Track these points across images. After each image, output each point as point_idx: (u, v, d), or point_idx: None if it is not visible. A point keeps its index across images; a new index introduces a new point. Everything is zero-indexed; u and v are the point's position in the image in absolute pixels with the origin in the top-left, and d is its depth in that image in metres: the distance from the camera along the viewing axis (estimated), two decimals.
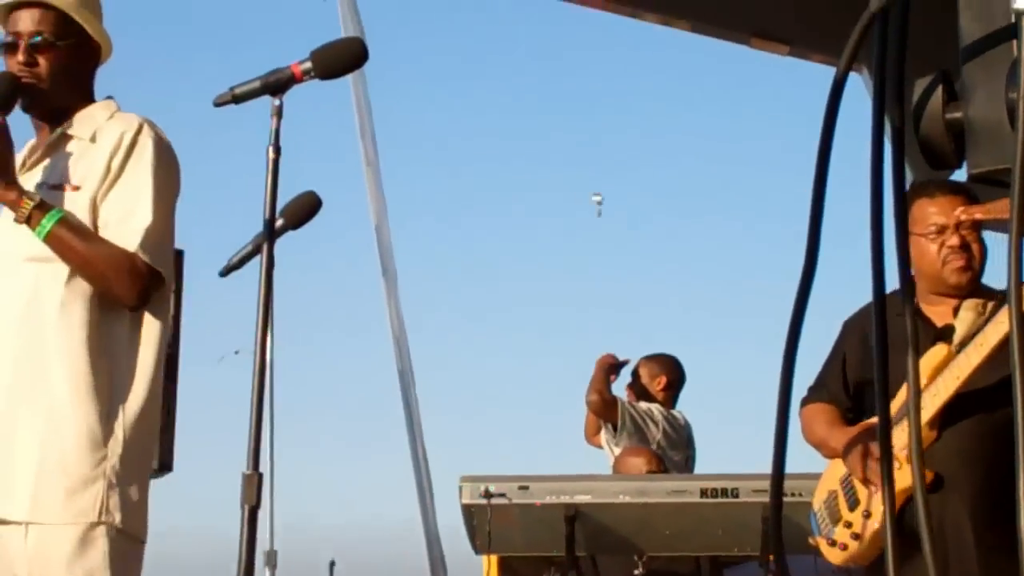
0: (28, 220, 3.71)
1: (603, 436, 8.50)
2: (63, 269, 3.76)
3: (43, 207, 3.72)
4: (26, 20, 3.89)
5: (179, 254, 6.97)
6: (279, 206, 3.96)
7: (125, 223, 3.79)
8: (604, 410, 8.36)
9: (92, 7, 4.01)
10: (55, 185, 3.84)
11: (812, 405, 5.10)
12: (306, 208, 5.12)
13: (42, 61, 3.88)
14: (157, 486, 6.64)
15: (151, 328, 3.86)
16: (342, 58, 3.77)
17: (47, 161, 3.92)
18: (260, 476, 3.60)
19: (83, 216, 3.78)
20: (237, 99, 3.70)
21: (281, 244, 4.37)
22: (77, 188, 3.82)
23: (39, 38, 3.88)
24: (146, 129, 3.88)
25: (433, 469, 7.63)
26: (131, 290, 3.77)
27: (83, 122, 3.93)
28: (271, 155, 3.64)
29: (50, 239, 3.73)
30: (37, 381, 3.72)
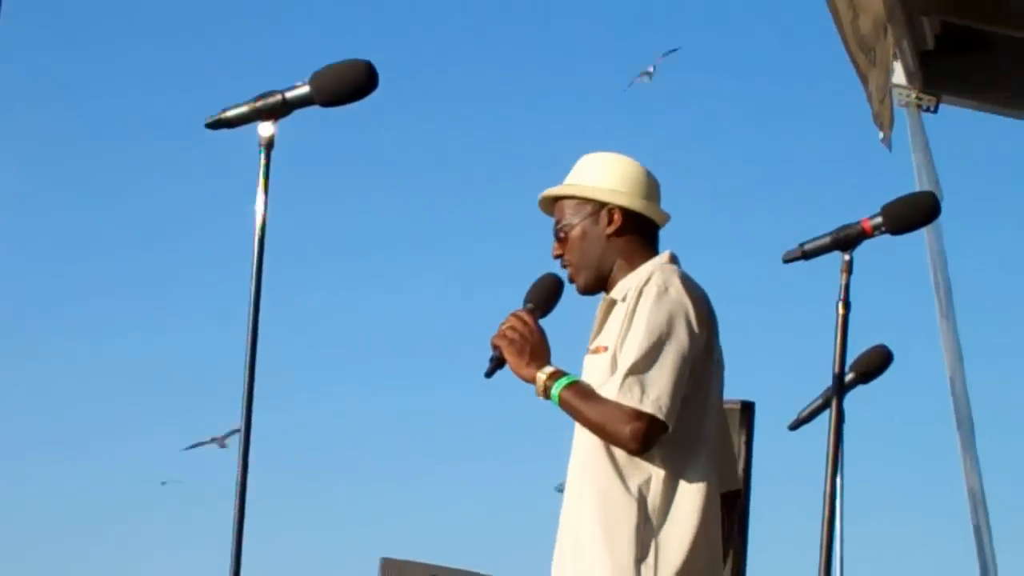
0: (545, 393, 3.92)
1: None
2: None
3: (554, 376, 3.91)
4: (555, 210, 4.11)
5: (749, 407, 7.04)
6: (849, 360, 3.94)
7: (620, 373, 3.83)
8: None
9: (600, 174, 4.07)
10: (594, 350, 4.00)
11: None
12: (877, 362, 5.09)
13: (567, 247, 4.05)
14: None
15: (684, 475, 3.87)
16: (914, 214, 3.73)
17: (604, 328, 4.05)
18: None
19: (606, 375, 3.89)
20: (807, 255, 3.71)
21: (851, 397, 4.36)
22: (605, 349, 3.94)
23: (559, 225, 4.06)
24: (654, 278, 3.90)
25: None
26: (628, 440, 3.80)
27: (625, 285, 4.00)
28: (840, 311, 3.63)
29: (561, 405, 3.90)
30: (570, 525, 3.97)
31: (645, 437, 3.77)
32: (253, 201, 3.38)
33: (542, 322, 4.02)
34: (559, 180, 4.09)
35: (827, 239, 3.67)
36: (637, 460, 3.84)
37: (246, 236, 3.36)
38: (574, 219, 4.03)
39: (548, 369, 3.92)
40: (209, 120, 3.46)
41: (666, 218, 4.08)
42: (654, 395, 3.76)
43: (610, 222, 4.00)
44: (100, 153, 17.23)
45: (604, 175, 4.05)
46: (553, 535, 4.01)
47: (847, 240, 3.65)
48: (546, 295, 4.07)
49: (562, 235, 4.04)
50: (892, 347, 5.13)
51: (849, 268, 3.65)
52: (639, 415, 3.76)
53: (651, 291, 3.85)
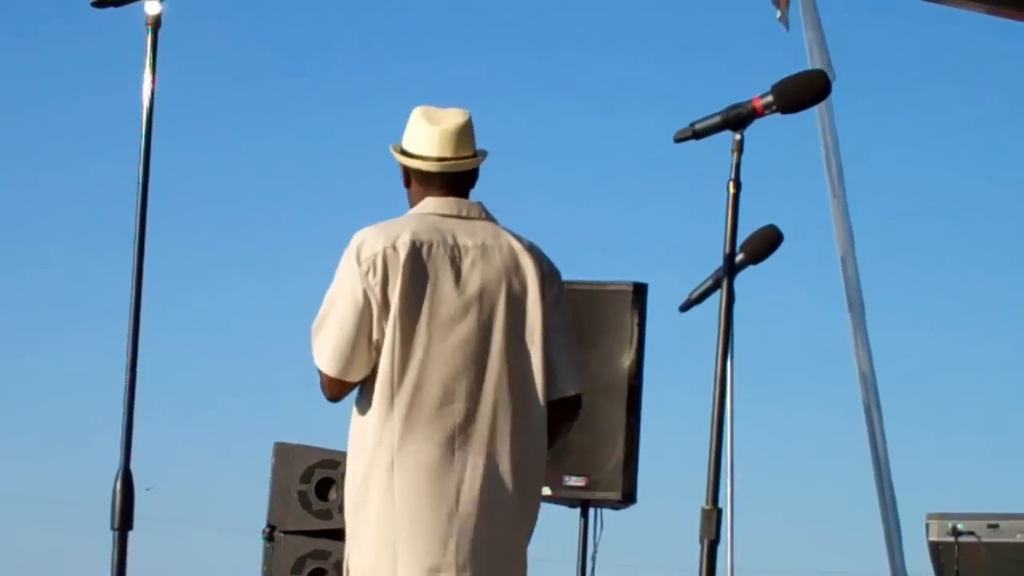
0: None
1: None
2: None
3: None
4: None
5: (642, 288, 7.05)
6: (739, 241, 3.94)
7: None
8: None
9: (408, 137, 4.20)
10: None
11: None
12: (767, 242, 5.09)
13: None
14: (619, 517, 6.71)
15: (367, 409, 4.14)
16: (805, 91, 3.71)
17: None
18: (719, 512, 3.61)
19: None
20: (698, 134, 3.69)
21: (742, 278, 4.36)
22: None
23: None
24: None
25: (899, 506, 7.43)
26: (322, 391, 4.18)
27: None
28: (731, 190, 3.62)
29: None
30: None
31: (325, 388, 4.16)
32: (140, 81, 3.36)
33: None
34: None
35: (717, 118, 3.65)
36: (355, 403, 4.17)
37: (134, 117, 3.34)
38: None
39: None
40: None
41: (425, 164, 4.13)
42: (319, 353, 4.11)
43: (407, 180, 4.25)
44: None
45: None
46: None
47: (738, 119, 3.63)
48: None
49: None
50: (783, 228, 5.14)
51: (740, 147, 3.63)
52: (318, 371, 4.14)
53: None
